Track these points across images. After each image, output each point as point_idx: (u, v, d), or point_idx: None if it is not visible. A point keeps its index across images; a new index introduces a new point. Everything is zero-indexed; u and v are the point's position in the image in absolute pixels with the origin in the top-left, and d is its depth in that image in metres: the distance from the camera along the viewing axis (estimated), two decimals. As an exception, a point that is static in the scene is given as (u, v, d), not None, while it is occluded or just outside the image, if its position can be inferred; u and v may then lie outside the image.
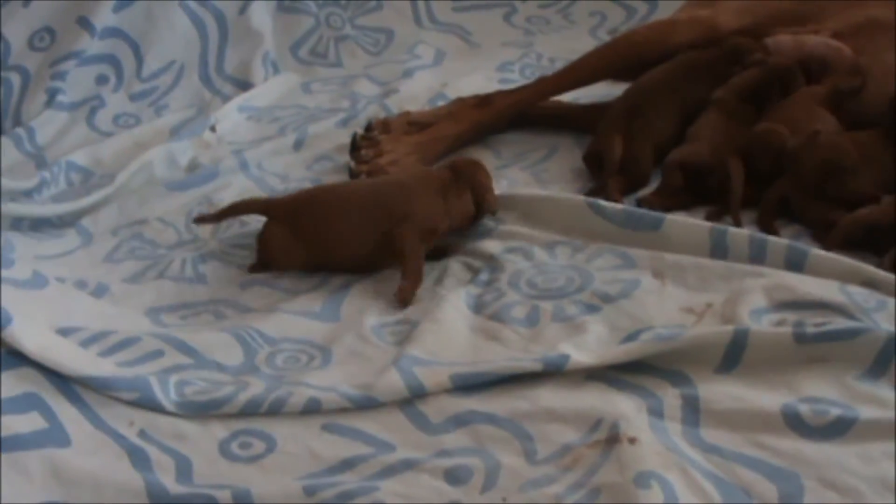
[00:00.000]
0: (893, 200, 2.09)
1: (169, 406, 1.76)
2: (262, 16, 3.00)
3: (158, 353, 1.88)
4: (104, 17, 2.85)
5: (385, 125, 2.52)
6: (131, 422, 1.74)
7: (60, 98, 2.76)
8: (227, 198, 2.38)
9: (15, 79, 2.78)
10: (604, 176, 2.30)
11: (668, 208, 2.17)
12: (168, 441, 1.71)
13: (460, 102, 2.58)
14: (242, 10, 2.97)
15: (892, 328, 1.78)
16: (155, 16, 2.90)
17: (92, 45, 2.84)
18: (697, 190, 2.24)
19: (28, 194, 2.43)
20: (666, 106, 2.38)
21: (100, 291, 2.11)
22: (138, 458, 1.68)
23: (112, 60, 2.86)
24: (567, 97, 2.59)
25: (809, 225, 2.13)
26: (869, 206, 2.10)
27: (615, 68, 2.56)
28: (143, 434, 1.72)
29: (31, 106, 2.75)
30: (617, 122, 2.37)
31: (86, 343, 1.89)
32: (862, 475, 1.58)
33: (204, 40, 2.93)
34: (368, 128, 2.52)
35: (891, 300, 1.86)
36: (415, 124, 2.53)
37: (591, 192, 2.26)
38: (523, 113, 2.56)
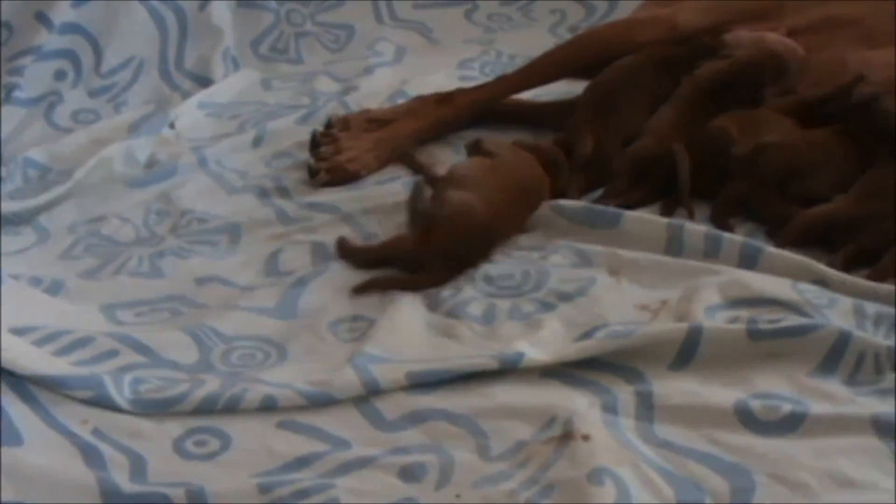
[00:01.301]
0: (847, 198, 2.10)
1: (123, 404, 1.75)
2: (222, 12, 2.98)
3: (113, 353, 1.87)
4: (63, 12, 2.83)
5: (345, 122, 2.52)
6: (85, 420, 1.73)
7: (18, 94, 2.73)
8: (185, 195, 2.38)
9: (-29, 74, 2.77)
10: (571, 170, 2.30)
11: (622, 207, 2.17)
12: (122, 439, 1.70)
13: (420, 100, 2.58)
14: (203, 6, 2.96)
15: (844, 325, 1.80)
16: (114, 11, 2.88)
17: (50, 41, 2.82)
18: (652, 183, 2.24)
19: (-16, 192, 2.42)
20: (635, 101, 2.38)
21: (55, 288, 2.10)
22: (92, 457, 1.67)
23: (71, 56, 2.84)
24: (527, 95, 2.60)
25: (767, 222, 2.14)
26: (823, 204, 2.11)
27: (576, 66, 2.57)
28: (96, 432, 1.71)
29: (-11, 102, 2.74)
30: (587, 117, 2.37)
31: (40, 343, 1.88)
32: (812, 470, 1.59)
33: (164, 36, 2.91)
34: (328, 125, 2.52)
35: (842, 297, 1.88)
36: (375, 121, 2.53)
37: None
38: (484, 110, 2.56)
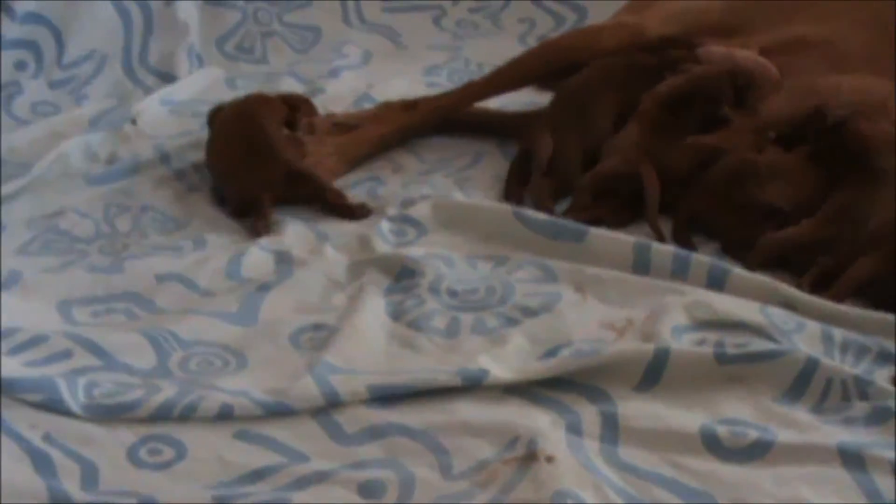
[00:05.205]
0: (812, 221, 2.10)
1: (76, 409, 1.71)
2: (188, 7, 2.95)
3: (67, 354, 1.84)
4: (25, 1, 2.78)
5: (310, 126, 2.49)
6: (34, 424, 1.69)
7: (-24, 83, 2.70)
8: (146, 191, 2.35)
9: (-72, 63, 2.72)
10: (533, 174, 2.29)
11: (586, 222, 2.15)
12: (74, 445, 1.66)
13: (385, 106, 2.56)
14: (169, 1, 2.92)
15: (811, 351, 1.79)
16: (78, 2, 2.84)
17: (11, 30, 2.77)
18: (616, 199, 2.23)
19: (-63, 183, 2.37)
20: (599, 108, 2.37)
21: (10, 284, 2.06)
22: (41, 463, 1.63)
23: (32, 46, 2.80)
24: (493, 104, 2.58)
25: (719, 238, 2.13)
26: (790, 228, 2.10)
27: (542, 73, 2.55)
28: (47, 437, 1.67)
29: (-55, 91, 2.70)
30: (548, 123, 2.36)
31: (-9, 340, 1.84)
32: (776, 498, 1.58)
33: (128, 30, 2.87)
34: (292, 128, 2.49)
35: (809, 322, 1.87)
36: (339, 126, 2.50)
37: (511, 194, 2.25)
38: (449, 118, 2.54)
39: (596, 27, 2.63)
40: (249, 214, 2.25)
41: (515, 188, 2.30)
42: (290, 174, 2.28)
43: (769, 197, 2.13)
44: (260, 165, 2.29)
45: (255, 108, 2.40)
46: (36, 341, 1.86)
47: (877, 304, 1.95)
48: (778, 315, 1.88)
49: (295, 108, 2.46)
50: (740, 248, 2.10)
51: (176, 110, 2.69)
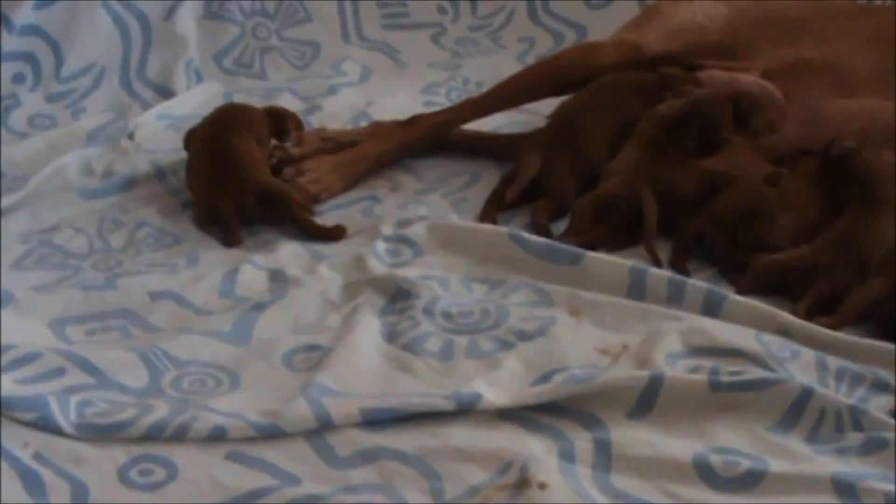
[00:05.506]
0: (811, 246, 2.09)
1: (68, 428, 1.71)
2: (187, 22, 2.94)
3: (60, 371, 1.83)
4: (24, 13, 2.79)
5: (298, 139, 2.48)
6: (26, 443, 1.68)
7: (-26, 95, 2.70)
8: (141, 207, 2.35)
9: (-73, 74, 2.72)
10: (510, 187, 2.29)
11: (582, 245, 2.15)
12: (64, 465, 1.65)
13: (379, 124, 2.55)
14: (168, 16, 2.92)
15: (806, 379, 1.78)
16: (77, 15, 2.84)
17: (10, 42, 2.77)
18: (614, 223, 2.23)
19: (-66, 195, 2.37)
20: (594, 130, 2.37)
21: (4, 301, 2.05)
22: (31, 482, 1.62)
23: (30, 59, 2.80)
24: (490, 127, 2.56)
25: (722, 266, 2.12)
26: (787, 251, 2.10)
27: (540, 90, 2.55)
28: (37, 456, 1.66)
29: (-57, 102, 2.69)
30: (541, 144, 2.36)
31: (-16, 357, 1.84)
32: (768, 528, 1.58)
33: (126, 44, 2.87)
34: (280, 139, 2.48)
35: (804, 350, 1.87)
36: (329, 140, 2.49)
37: (486, 214, 2.26)
38: (446, 139, 2.54)
39: (595, 43, 2.63)
40: (216, 224, 2.25)
41: (491, 209, 2.29)
42: (260, 194, 2.26)
43: (777, 238, 2.12)
44: (227, 182, 2.28)
45: (228, 123, 2.40)
46: (29, 358, 1.85)
47: (881, 329, 1.95)
48: (773, 342, 1.87)
49: (281, 121, 2.47)
50: (739, 272, 2.09)
51: (174, 125, 2.69)
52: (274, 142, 2.48)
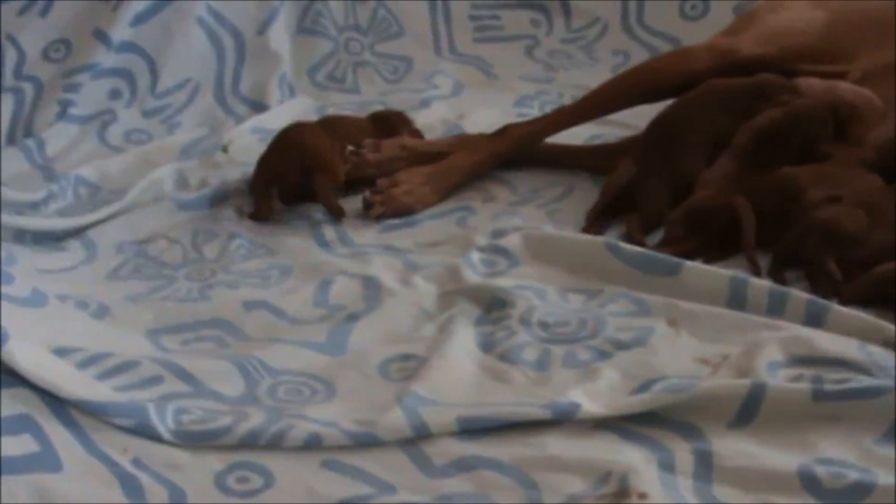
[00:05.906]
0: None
1: (165, 434, 1.71)
2: (280, 37, 2.97)
3: (157, 379, 1.84)
4: (121, 30, 2.83)
5: (376, 146, 2.47)
6: (125, 448, 1.69)
7: (72, 111, 2.74)
8: (234, 218, 2.37)
9: (28, 89, 2.76)
10: (600, 199, 2.28)
11: (678, 255, 2.11)
12: (162, 470, 1.66)
13: (465, 136, 2.54)
14: (261, 31, 2.94)
15: (913, 390, 1.74)
16: (172, 32, 2.88)
17: (107, 59, 2.82)
18: (709, 234, 2.19)
19: (34, 206, 2.40)
20: (689, 140, 2.34)
21: (101, 310, 2.07)
22: (130, 487, 1.63)
23: (126, 75, 2.84)
24: (580, 141, 2.54)
25: (812, 277, 2.07)
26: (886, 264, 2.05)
27: (633, 96, 2.52)
28: (136, 462, 1.67)
29: (43, 117, 2.74)
30: (635, 155, 2.34)
31: (83, 365, 1.85)
32: (877, 542, 1.54)
33: (220, 59, 2.90)
34: (358, 145, 2.48)
35: (911, 360, 1.82)
36: (407, 149, 2.49)
37: (591, 214, 2.27)
38: (538, 153, 2.52)
39: (688, 48, 2.61)
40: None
41: (594, 222, 2.28)
42: (304, 163, 2.34)
43: (870, 257, 2.07)
44: (281, 155, 2.38)
45: (309, 124, 2.49)
46: (126, 366, 1.86)
47: None
48: (878, 353, 1.83)
49: (385, 122, 2.51)
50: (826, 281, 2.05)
51: (266, 139, 2.68)
52: (350, 147, 2.47)
